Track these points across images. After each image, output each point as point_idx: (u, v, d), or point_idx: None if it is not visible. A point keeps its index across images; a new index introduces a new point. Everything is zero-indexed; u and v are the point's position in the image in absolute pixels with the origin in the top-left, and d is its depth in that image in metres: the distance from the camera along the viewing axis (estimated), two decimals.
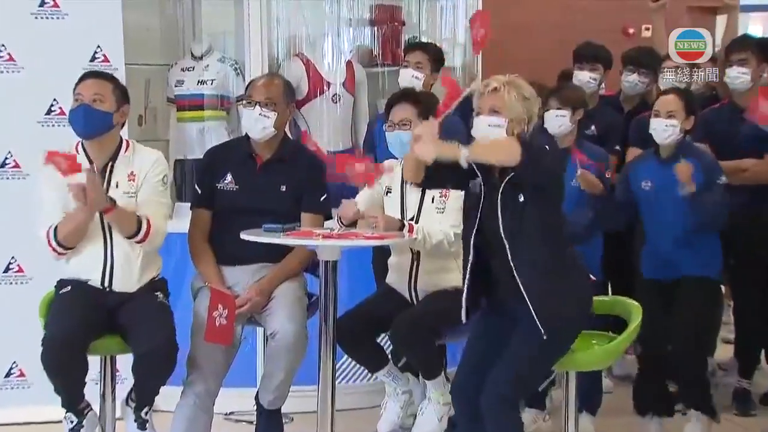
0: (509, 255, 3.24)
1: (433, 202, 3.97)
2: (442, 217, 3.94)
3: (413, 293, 4.02)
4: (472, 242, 3.36)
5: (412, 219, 3.96)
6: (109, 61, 4.71)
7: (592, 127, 4.80)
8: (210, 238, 4.06)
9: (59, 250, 3.73)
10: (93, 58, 4.70)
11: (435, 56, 4.85)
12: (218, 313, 3.69)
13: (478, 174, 3.30)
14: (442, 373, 3.93)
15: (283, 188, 3.99)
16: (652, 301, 4.06)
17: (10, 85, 4.50)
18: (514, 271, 3.24)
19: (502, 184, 3.24)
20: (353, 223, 3.89)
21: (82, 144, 3.76)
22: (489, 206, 3.30)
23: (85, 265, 3.76)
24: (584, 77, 5.02)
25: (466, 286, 3.39)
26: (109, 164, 3.75)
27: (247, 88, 4.29)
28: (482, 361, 3.37)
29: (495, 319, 3.44)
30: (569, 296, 3.33)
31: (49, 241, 3.71)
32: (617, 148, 4.88)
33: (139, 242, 3.74)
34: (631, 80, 5.18)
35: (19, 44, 4.54)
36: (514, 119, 3.28)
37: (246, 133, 4.06)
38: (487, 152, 3.15)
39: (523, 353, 3.31)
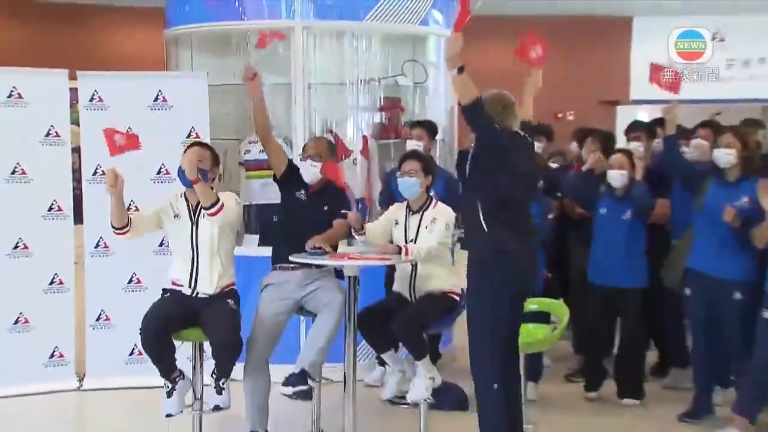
0: None
1: (426, 228, 4.64)
2: (430, 235, 4.62)
3: (412, 294, 4.69)
4: None
5: (413, 240, 4.62)
6: (199, 137, 5.69)
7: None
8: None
9: (116, 231, 4.37)
10: (188, 135, 5.79)
11: (431, 129, 5.83)
12: None
13: None
14: (428, 355, 4.48)
15: (326, 208, 4.73)
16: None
17: (133, 155, 4.81)
18: None
19: None
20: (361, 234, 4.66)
21: (185, 193, 4.51)
22: None
23: (178, 272, 4.50)
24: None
25: None
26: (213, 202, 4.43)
27: (303, 147, 4.92)
28: None
29: None
30: None
31: (112, 228, 4.36)
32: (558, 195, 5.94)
33: (211, 215, 4.33)
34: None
35: (140, 127, 5.21)
36: None
37: None
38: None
39: None
